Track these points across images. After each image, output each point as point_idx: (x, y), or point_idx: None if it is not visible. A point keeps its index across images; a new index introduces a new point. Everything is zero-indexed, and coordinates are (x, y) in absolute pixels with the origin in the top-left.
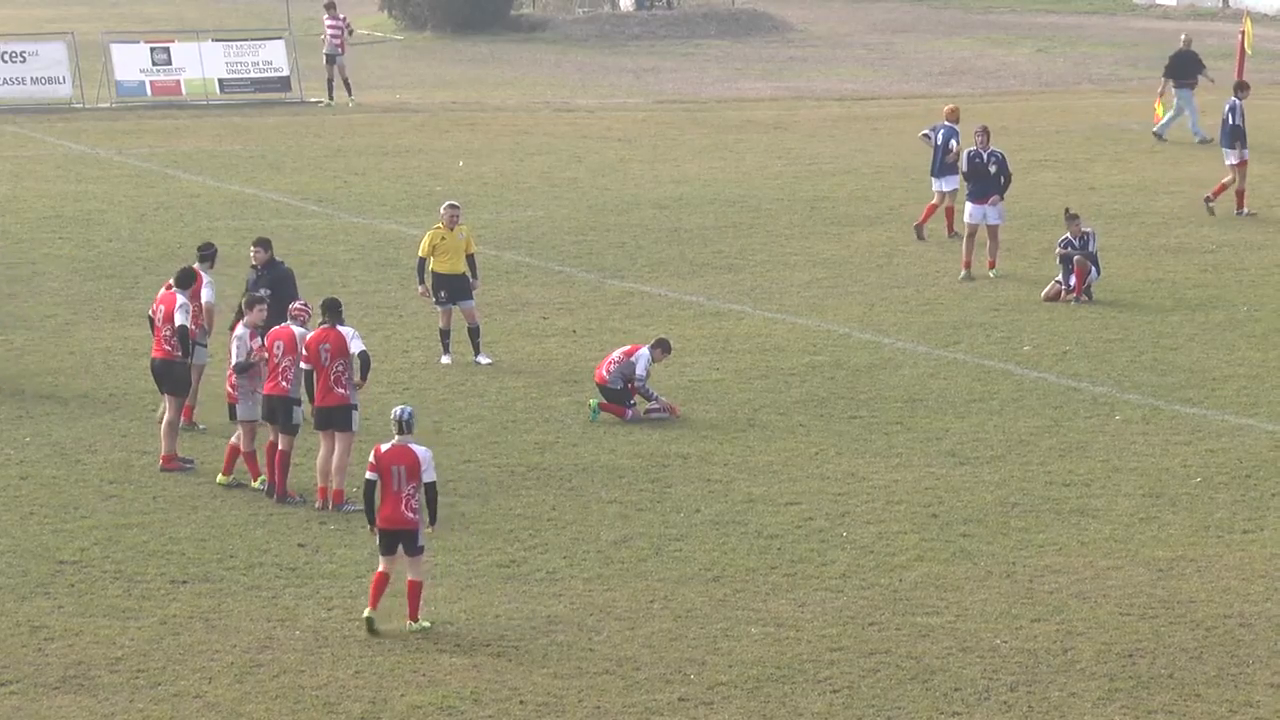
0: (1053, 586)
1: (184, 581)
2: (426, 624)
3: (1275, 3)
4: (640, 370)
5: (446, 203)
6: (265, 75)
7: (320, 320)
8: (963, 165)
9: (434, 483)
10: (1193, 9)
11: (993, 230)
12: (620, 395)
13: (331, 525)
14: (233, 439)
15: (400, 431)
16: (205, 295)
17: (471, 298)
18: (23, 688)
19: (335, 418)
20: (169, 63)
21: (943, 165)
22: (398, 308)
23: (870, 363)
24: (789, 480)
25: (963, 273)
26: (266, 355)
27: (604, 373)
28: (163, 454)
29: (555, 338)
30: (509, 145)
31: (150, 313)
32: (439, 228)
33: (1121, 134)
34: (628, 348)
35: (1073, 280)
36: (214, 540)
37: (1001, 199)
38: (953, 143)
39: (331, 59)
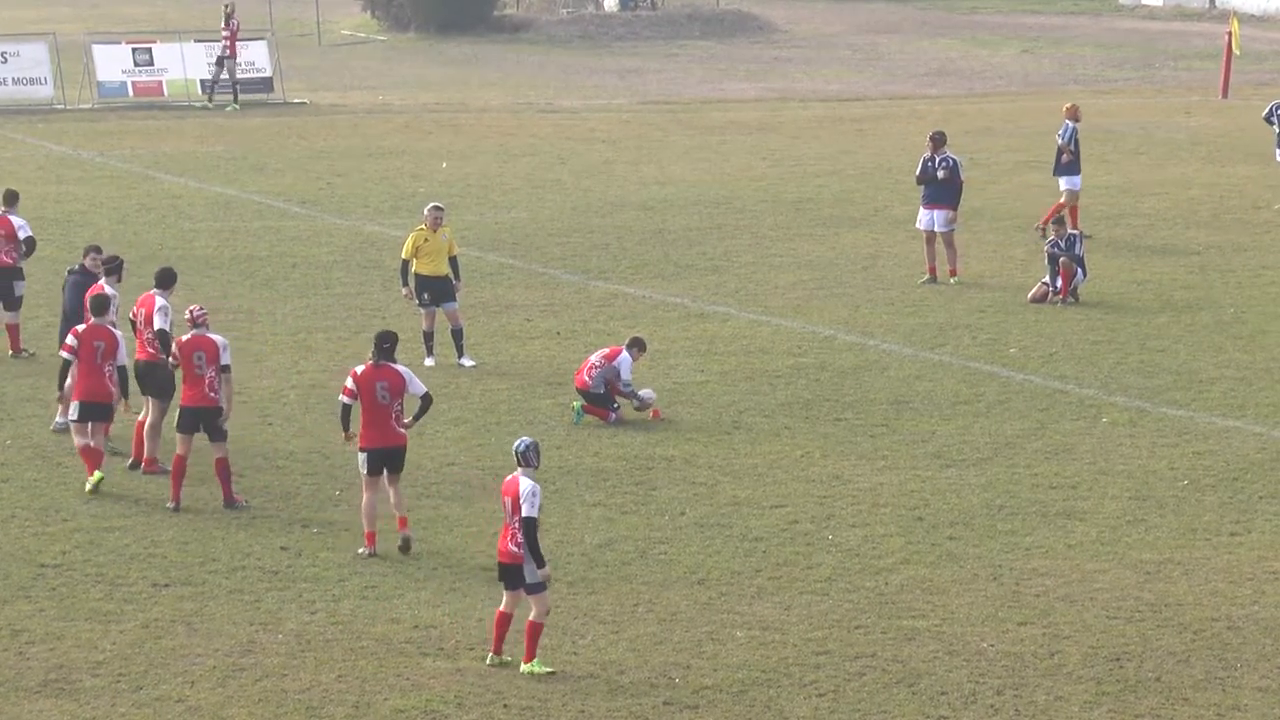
0: (1039, 589)
1: (166, 585)
2: (546, 669)
3: (1262, 3)
4: (625, 375)
5: (430, 204)
6: (248, 76)
7: (372, 356)
8: (917, 171)
9: (533, 519)
10: (1179, 9)
11: (945, 238)
12: (603, 399)
13: (314, 528)
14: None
15: (520, 464)
16: (111, 313)
17: (455, 300)
18: (3, 692)
19: (394, 459)
20: (151, 63)
21: (1060, 164)
22: (381, 310)
23: (855, 365)
24: (774, 483)
25: (925, 277)
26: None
27: (585, 377)
28: (145, 457)
29: (539, 340)
30: (493, 146)
31: (131, 315)
32: (422, 229)
33: (1107, 135)
34: (606, 350)
35: (1059, 282)
36: (196, 543)
37: (952, 206)
38: (1061, 140)
39: (221, 62)
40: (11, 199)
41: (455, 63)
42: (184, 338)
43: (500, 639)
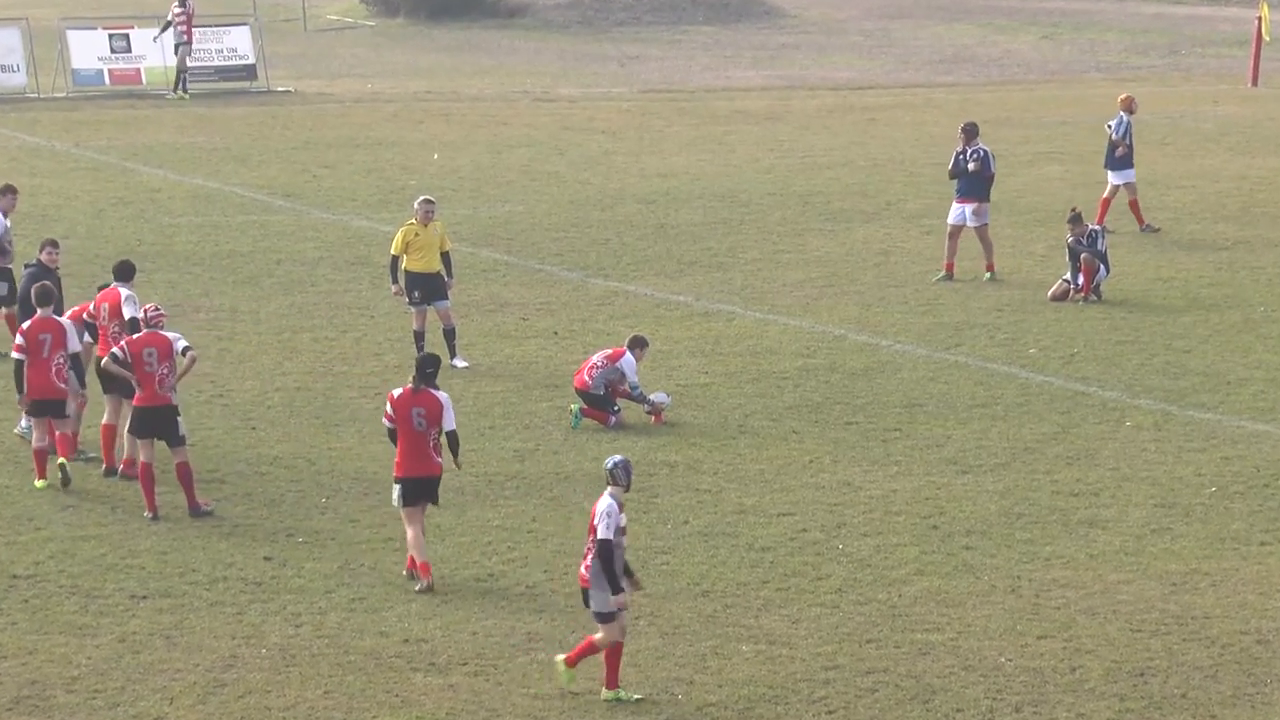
0: (1060, 601)
1: (144, 597)
2: (633, 696)
3: None
4: (631, 377)
5: (421, 197)
6: (230, 63)
7: (412, 380)
8: (950, 165)
9: (607, 541)
10: None
11: (979, 232)
12: (603, 401)
13: (299, 538)
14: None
15: (609, 483)
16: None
17: (447, 298)
18: None
19: (430, 489)
20: (128, 50)
21: (1112, 157)
22: (369, 308)
23: (867, 366)
24: (782, 490)
25: (941, 274)
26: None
27: (585, 378)
28: (126, 458)
29: (535, 340)
30: (486, 137)
31: (89, 314)
32: (413, 224)
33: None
34: (609, 351)
35: (1080, 279)
36: (175, 553)
37: (984, 200)
38: (1114, 133)
39: (176, 47)
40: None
41: (447, 49)
42: (134, 336)
43: (614, 671)
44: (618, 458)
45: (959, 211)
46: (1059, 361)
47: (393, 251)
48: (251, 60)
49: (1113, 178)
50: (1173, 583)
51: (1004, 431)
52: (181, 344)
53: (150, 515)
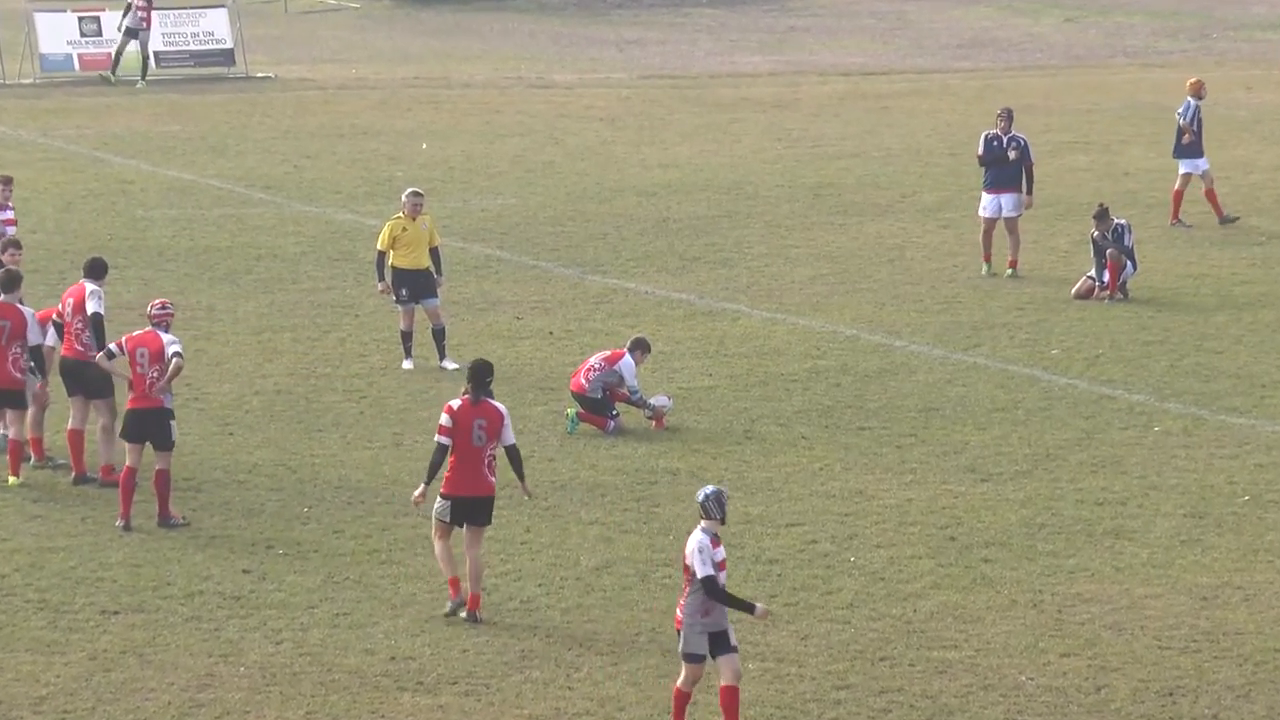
0: (1084, 617)
1: (116, 612)
2: None
3: None
4: (631, 380)
5: (408, 190)
6: (206, 47)
7: (466, 390)
8: (979, 149)
9: (711, 578)
10: None
11: (1011, 224)
12: (601, 405)
13: (280, 549)
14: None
15: (702, 516)
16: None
17: (436, 295)
18: None
19: (481, 511)
20: (99, 34)
21: (1179, 145)
22: (354, 306)
23: (880, 368)
24: (790, 499)
25: (985, 268)
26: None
27: (582, 380)
28: (102, 465)
29: (529, 340)
30: (478, 125)
31: (56, 313)
32: (400, 218)
33: (1160, 113)
34: (608, 353)
35: (1106, 276)
36: (149, 566)
37: (1026, 191)
38: (1183, 120)
39: (133, 33)
40: None
41: (436, 32)
42: (134, 334)
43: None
44: (710, 489)
45: (995, 203)
46: (1083, 363)
47: (379, 247)
48: (229, 44)
49: (1183, 166)
50: (1203, 597)
51: (1025, 437)
52: (174, 347)
53: (122, 524)
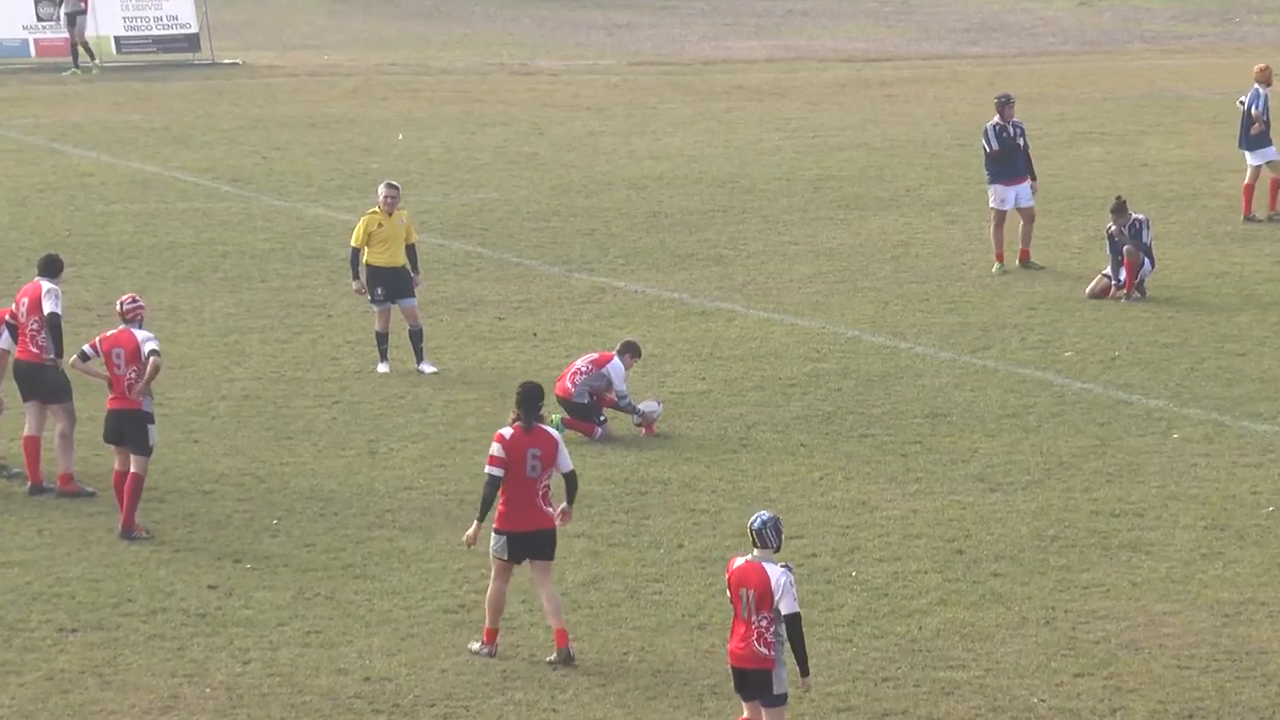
0: (1099, 635)
1: (74, 630)
2: None
3: None
4: (619, 385)
5: (384, 183)
6: (169, 32)
7: (515, 417)
8: (991, 143)
9: (796, 614)
10: None
11: (1030, 213)
12: (587, 410)
13: (247, 564)
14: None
15: (757, 545)
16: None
17: (413, 295)
18: None
19: (542, 545)
20: (56, 19)
21: (1248, 136)
22: (326, 306)
23: (884, 371)
24: (788, 510)
25: (997, 267)
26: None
27: (568, 384)
28: (61, 473)
29: (512, 342)
30: (457, 115)
31: (9, 314)
32: (375, 212)
33: (1179, 102)
34: (595, 355)
35: (1122, 274)
36: (109, 581)
37: (1032, 176)
38: (1253, 108)
39: (72, 18)
40: None
41: (413, 16)
42: (107, 334)
43: None
44: (767, 515)
45: (1012, 194)
46: (1098, 366)
47: (353, 243)
48: (194, 29)
49: (1251, 159)
50: (1225, 614)
51: (1037, 444)
52: (150, 345)
53: (126, 532)
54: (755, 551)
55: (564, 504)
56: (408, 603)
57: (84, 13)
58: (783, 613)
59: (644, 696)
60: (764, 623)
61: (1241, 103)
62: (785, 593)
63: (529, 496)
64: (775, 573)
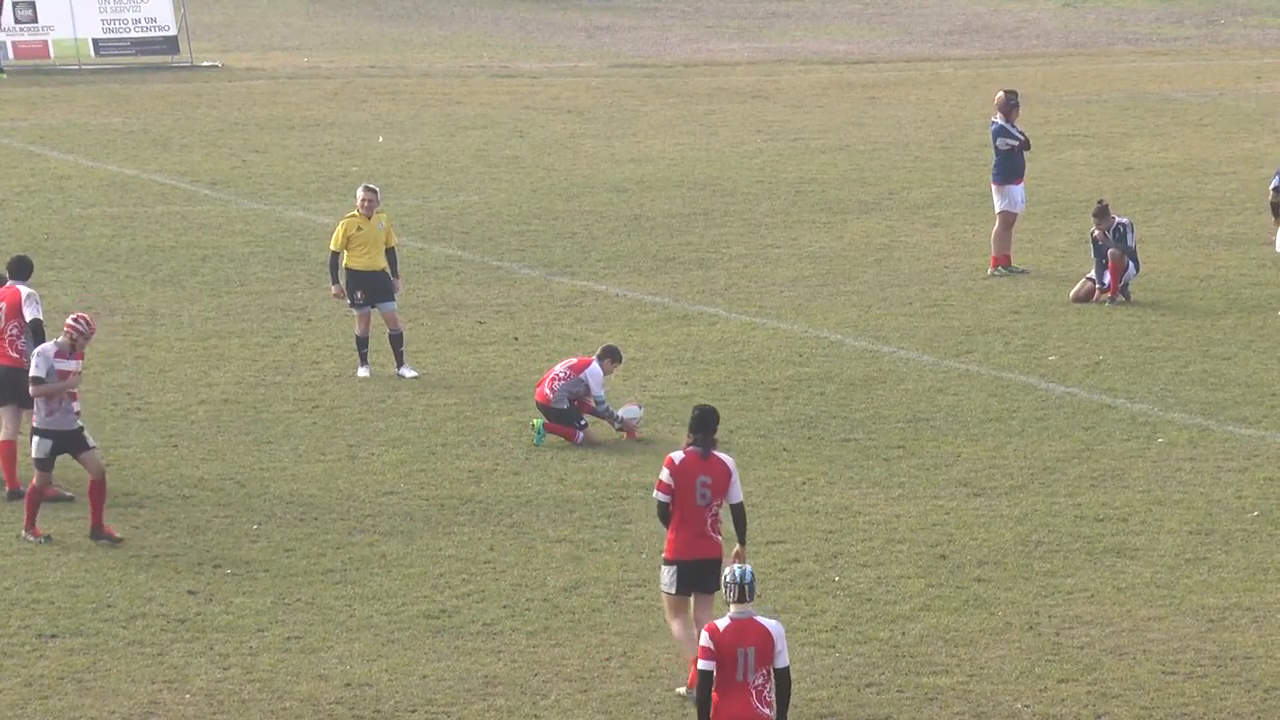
0: (1083, 640)
1: (53, 635)
2: None
3: None
4: (597, 390)
5: (363, 186)
6: (148, 35)
7: (690, 441)
8: (1020, 137)
9: (786, 668)
10: None
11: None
12: (568, 415)
13: (227, 569)
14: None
15: (740, 599)
16: None
17: (393, 299)
18: None
19: (709, 575)
20: (34, 20)
21: None
22: (305, 310)
23: (867, 375)
24: (770, 515)
25: (999, 270)
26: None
27: (547, 390)
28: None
29: (493, 346)
30: (437, 117)
31: None
32: (354, 216)
33: (1164, 104)
34: (574, 360)
35: (1107, 277)
36: (88, 587)
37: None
38: None
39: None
40: None
41: (393, 18)
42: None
43: None
44: (748, 571)
45: (1020, 194)
46: (1082, 370)
47: (332, 247)
48: (172, 31)
49: None
50: (1210, 619)
51: (1021, 449)
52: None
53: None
54: (733, 608)
55: (737, 545)
56: (388, 608)
57: None
58: (778, 666)
59: (626, 702)
60: (760, 680)
61: None
62: (783, 644)
63: (699, 524)
64: (772, 625)
